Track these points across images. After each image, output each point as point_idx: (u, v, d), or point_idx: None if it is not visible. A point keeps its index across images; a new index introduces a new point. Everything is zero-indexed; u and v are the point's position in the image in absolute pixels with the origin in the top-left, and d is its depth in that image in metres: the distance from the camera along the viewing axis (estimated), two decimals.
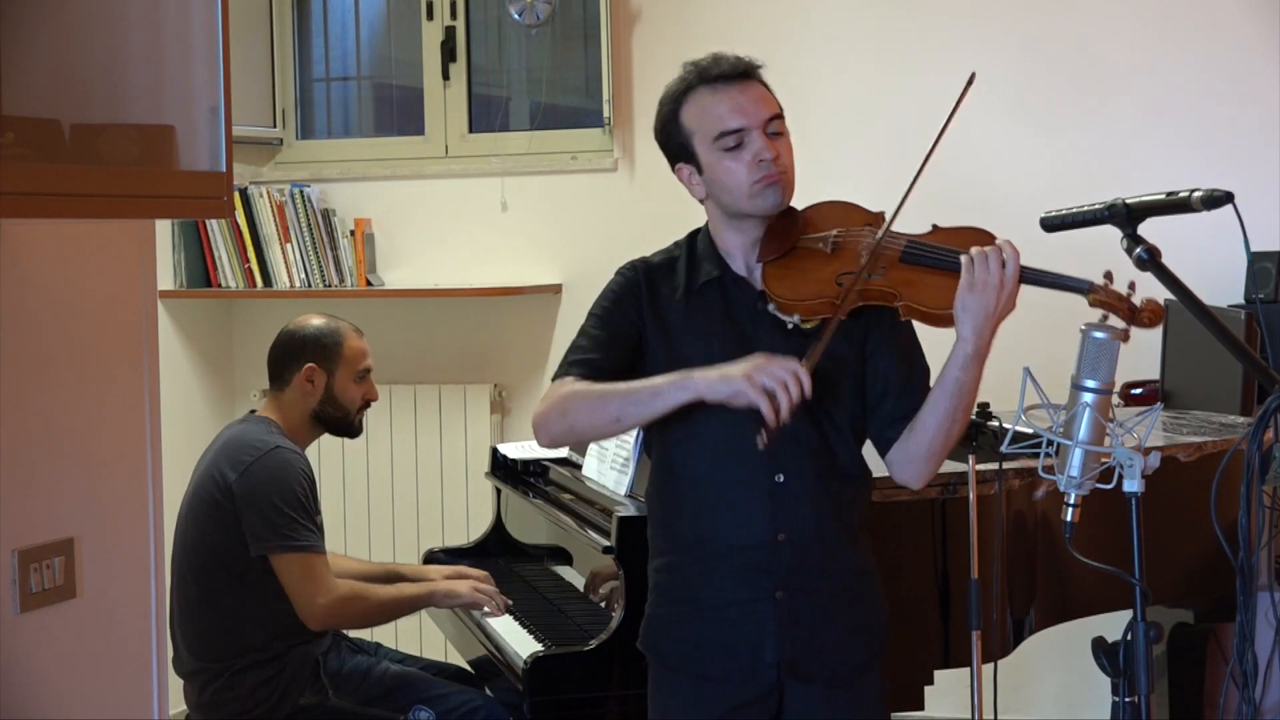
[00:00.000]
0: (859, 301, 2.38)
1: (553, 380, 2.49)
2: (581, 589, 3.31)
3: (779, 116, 2.47)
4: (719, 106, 2.43)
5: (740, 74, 2.46)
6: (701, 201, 2.52)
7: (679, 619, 2.51)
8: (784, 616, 2.45)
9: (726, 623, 2.47)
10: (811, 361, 2.29)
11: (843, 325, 2.38)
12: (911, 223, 2.45)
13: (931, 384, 2.45)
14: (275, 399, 3.44)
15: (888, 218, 2.44)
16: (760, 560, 2.45)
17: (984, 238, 2.42)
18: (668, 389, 2.36)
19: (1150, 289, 2.31)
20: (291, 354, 3.41)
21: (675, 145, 2.49)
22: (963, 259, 2.33)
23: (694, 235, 2.58)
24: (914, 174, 2.38)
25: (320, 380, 3.40)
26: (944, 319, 2.37)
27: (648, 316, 2.49)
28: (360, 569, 3.59)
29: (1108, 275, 2.32)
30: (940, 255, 2.39)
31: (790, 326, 2.42)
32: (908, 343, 2.49)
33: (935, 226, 2.48)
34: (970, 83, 2.40)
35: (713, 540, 2.47)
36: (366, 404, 3.49)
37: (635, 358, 2.49)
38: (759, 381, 2.26)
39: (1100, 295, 2.32)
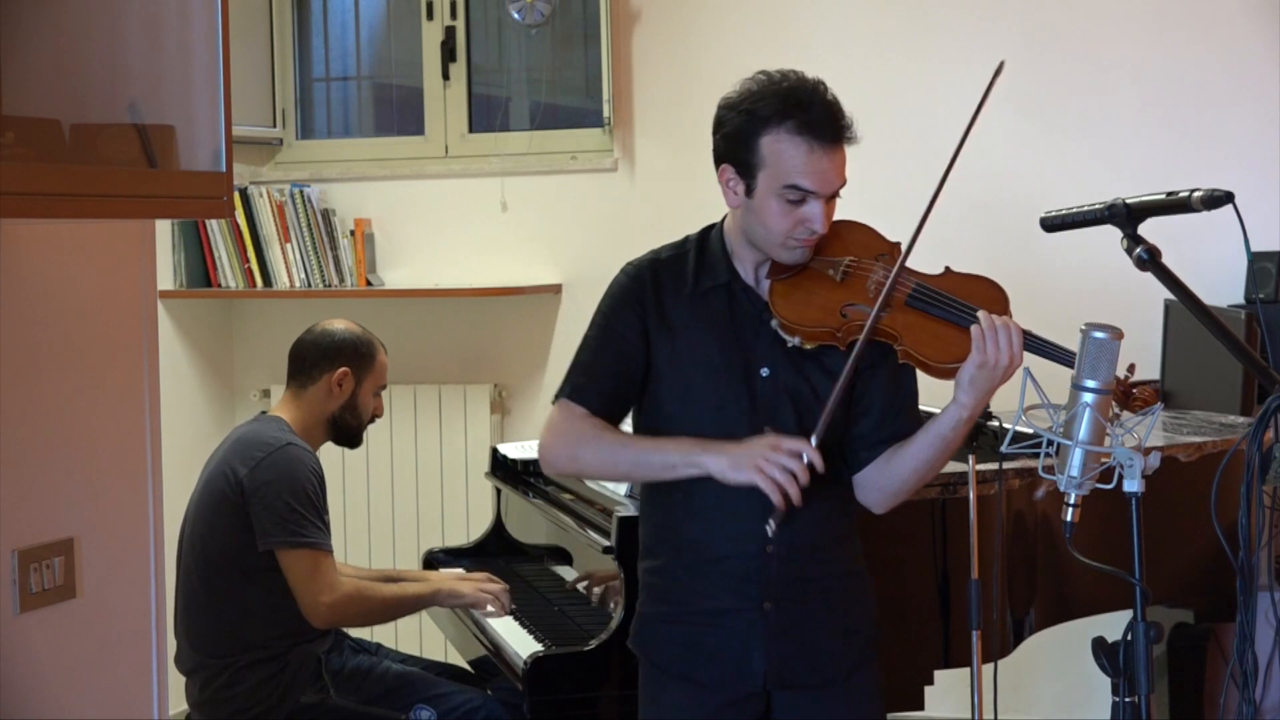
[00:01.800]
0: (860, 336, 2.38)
1: (556, 398, 2.50)
2: (581, 589, 3.31)
3: (843, 185, 2.43)
4: (805, 165, 2.36)
5: (836, 140, 2.38)
6: (730, 205, 2.49)
7: (668, 619, 2.52)
8: (772, 627, 2.46)
9: (714, 629, 2.48)
10: (821, 434, 2.32)
11: (845, 364, 2.37)
12: (928, 251, 2.42)
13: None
14: (294, 396, 3.44)
15: (902, 250, 2.43)
16: (749, 571, 2.46)
17: (995, 292, 2.42)
18: (681, 465, 2.39)
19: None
20: (326, 354, 3.42)
21: (737, 157, 2.41)
22: (974, 332, 2.32)
23: (706, 232, 2.56)
24: (928, 201, 2.36)
25: (349, 386, 3.43)
26: (940, 371, 2.38)
27: (651, 318, 2.48)
28: (359, 574, 3.60)
29: None
30: (947, 307, 2.39)
31: (790, 345, 2.42)
32: (898, 367, 2.47)
33: (948, 269, 2.47)
34: (999, 72, 2.38)
35: (703, 547, 2.48)
36: (374, 419, 3.53)
37: (643, 364, 2.49)
38: (769, 473, 2.29)
39: None
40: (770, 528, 2.31)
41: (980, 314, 2.34)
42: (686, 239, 2.57)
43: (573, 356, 2.53)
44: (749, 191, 2.41)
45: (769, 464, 2.29)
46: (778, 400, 2.44)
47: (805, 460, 2.29)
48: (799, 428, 2.40)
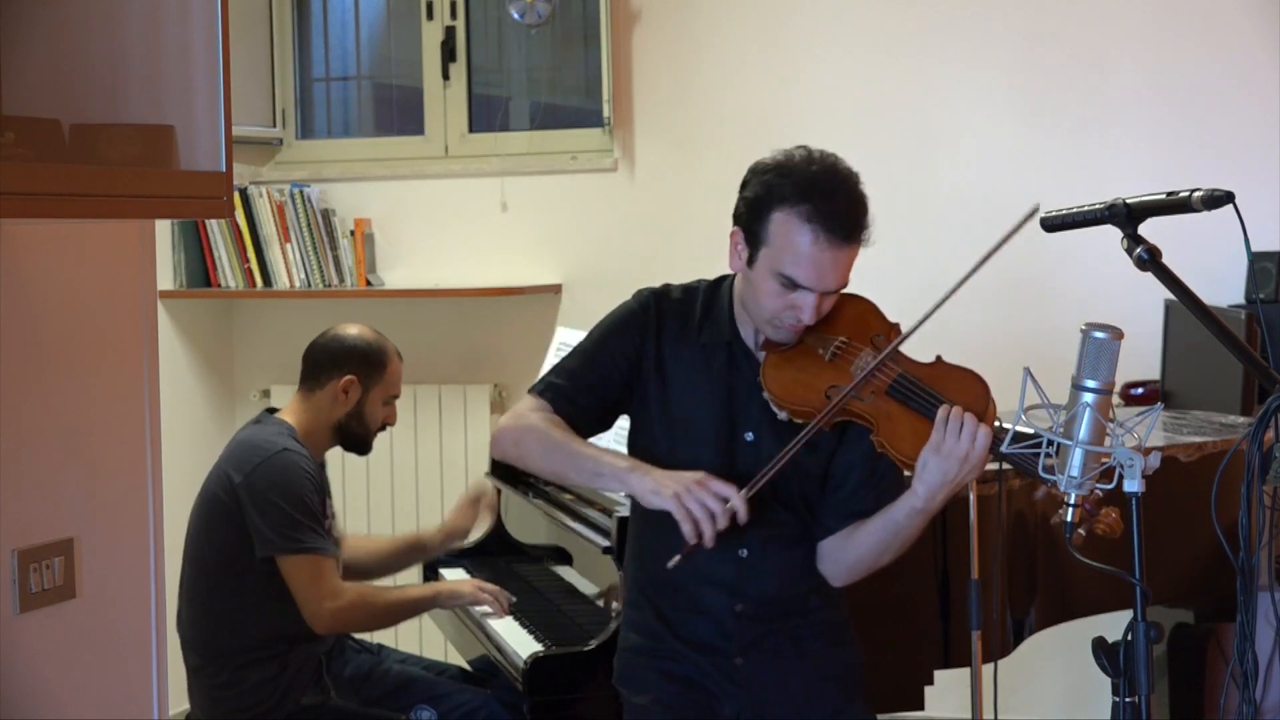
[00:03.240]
0: (840, 418, 2.36)
1: (529, 391, 2.51)
2: (581, 589, 3.31)
3: (843, 286, 2.39)
4: (804, 258, 2.31)
5: (847, 238, 2.33)
6: (732, 268, 2.47)
7: (649, 652, 2.54)
8: (744, 679, 2.47)
9: (692, 667, 2.50)
10: (752, 491, 2.29)
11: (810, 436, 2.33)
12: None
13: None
14: (302, 399, 3.41)
15: (901, 332, 2.39)
16: (720, 627, 2.47)
17: (978, 389, 2.37)
18: (608, 475, 2.38)
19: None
20: (335, 359, 3.37)
21: (748, 224, 2.38)
22: (938, 416, 2.27)
23: (718, 284, 2.54)
24: (934, 305, 2.30)
25: (355, 394, 3.37)
26: (911, 466, 2.34)
27: (649, 350, 2.48)
28: (378, 545, 3.62)
29: None
30: (925, 400, 2.34)
31: (780, 418, 2.41)
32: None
33: (939, 359, 2.43)
34: (1031, 215, 2.28)
35: (677, 594, 2.50)
36: (384, 427, 3.48)
37: (621, 391, 2.49)
38: (686, 505, 2.25)
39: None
40: (673, 561, 2.28)
41: (952, 407, 2.27)
42: (699, 284, 2.55)
43: (561, 358, 2.53)
44: (750, 261, 2.39)
45: (689, 496, 2.26)
46: (757, 467, 2.37)
47: (729, 505, 2.26)
48: (772, 495, 2.39)
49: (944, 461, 2.26)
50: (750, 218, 2.38)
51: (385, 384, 3.41)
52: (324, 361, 3.39)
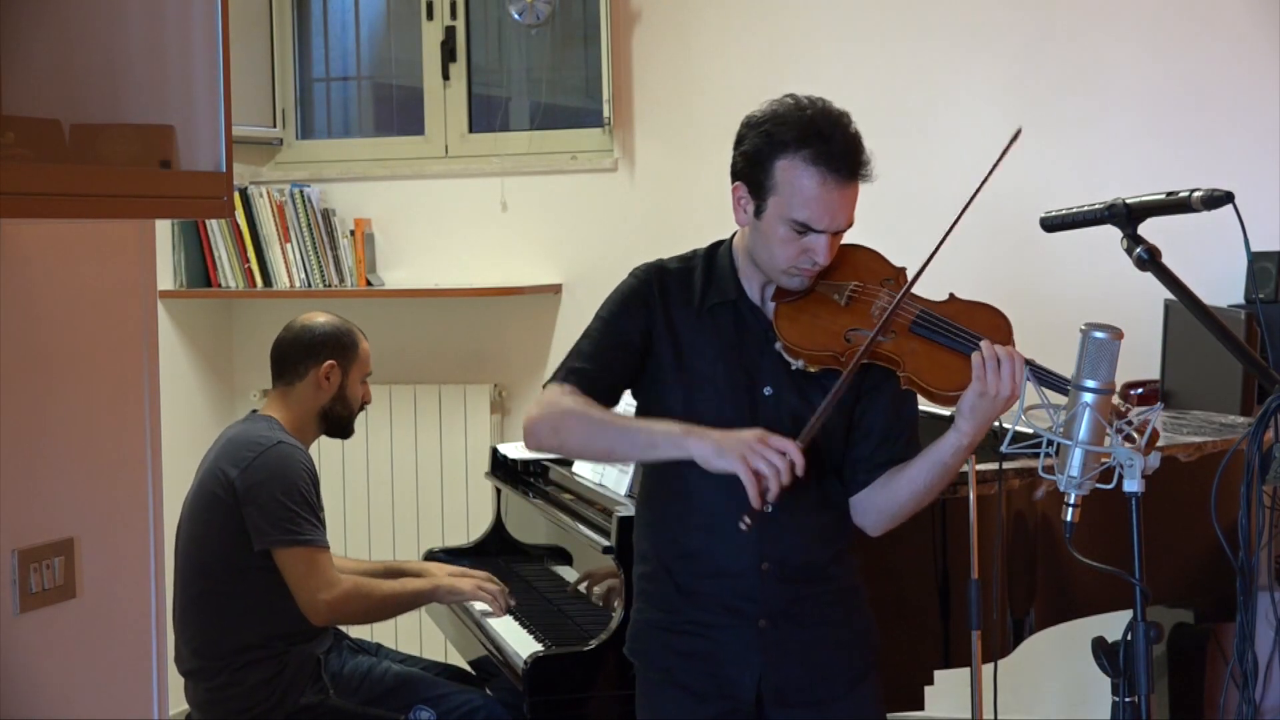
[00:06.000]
0: (864, 361, 2.37)
1: (549, 382, 2.50)
2: (581, 589, 3.31)
3: (850, 225, 2.43)
4: (814, 200, 2.35)
5: (851, 175, 2.37)
6: (738, 223, 2.49)
7: (664, 627, 2.52)
8: (767, 644, 2.46)
9: (708, 641, 2.48)
10: (806, 440, 2.29)
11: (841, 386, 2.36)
12: (935, 279, 2.42)
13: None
14: (282, 395, 3.44)
15: (908, 277, 2.42)
16: (744, 588, 2.46)
17: (998, 320, 2.41)
18: (664, 443, 2.35)
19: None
20: (309, 350, 3.42)
21: (751, 176, 2.40)
22: (974, 361, 2.30)
23: (715, 248, 2.55)
24: (940, 236, 2.34)
25: (336, 378, 3.42)
26: (942, 399, 2.37)
27: (659, 320, 2.48)
28: (361, 568, 3.60)
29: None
30: (951, 334, 2.38)
31: (794, 368, 2.42)
32: (900, 392, 2.45)
33: (952, 296, 2.46)
34: (1015, 138, 2.35)
35: (698, 560, 2.48)
36: (363, 407, 3.53)
37: (639, 363, 2.49)
38: (753, 464, 2.25)
39: None
40: (745, 524, 2.27)
41: (982, 343, 2.32)
42: (695, 253, 2.56)
43: (572, 346, 2.52)
44: (758, 213, 2.41)
45: (754, 455, 2.25)
46: (779, 420, 2.42)
47: (788, 459, 2.27)
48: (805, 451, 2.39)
49: (993, 402, 2.30)
50: (753, 170, 2.40)
51: (360, 363, 3.48)
52: (299, 353, 3.43)
